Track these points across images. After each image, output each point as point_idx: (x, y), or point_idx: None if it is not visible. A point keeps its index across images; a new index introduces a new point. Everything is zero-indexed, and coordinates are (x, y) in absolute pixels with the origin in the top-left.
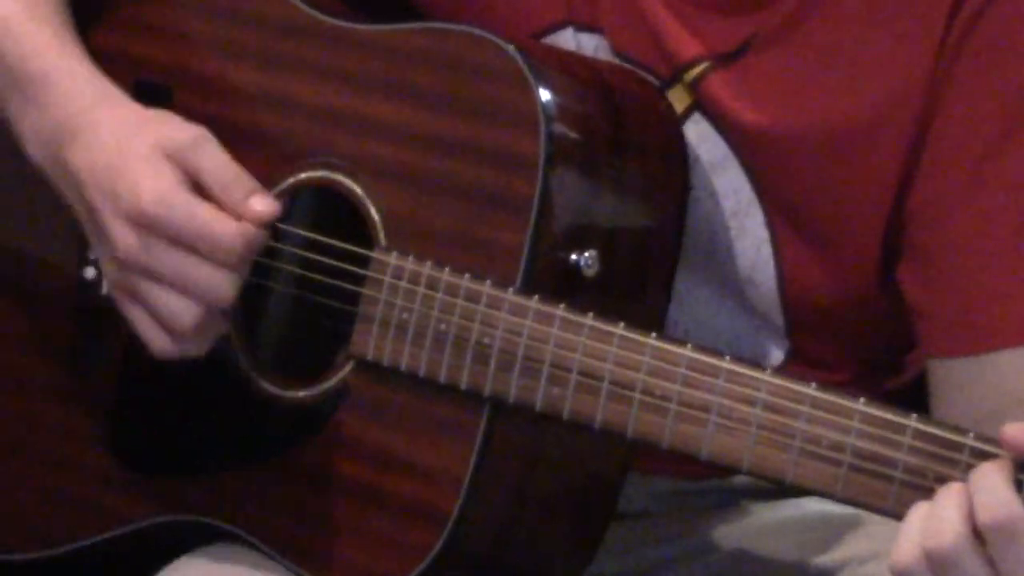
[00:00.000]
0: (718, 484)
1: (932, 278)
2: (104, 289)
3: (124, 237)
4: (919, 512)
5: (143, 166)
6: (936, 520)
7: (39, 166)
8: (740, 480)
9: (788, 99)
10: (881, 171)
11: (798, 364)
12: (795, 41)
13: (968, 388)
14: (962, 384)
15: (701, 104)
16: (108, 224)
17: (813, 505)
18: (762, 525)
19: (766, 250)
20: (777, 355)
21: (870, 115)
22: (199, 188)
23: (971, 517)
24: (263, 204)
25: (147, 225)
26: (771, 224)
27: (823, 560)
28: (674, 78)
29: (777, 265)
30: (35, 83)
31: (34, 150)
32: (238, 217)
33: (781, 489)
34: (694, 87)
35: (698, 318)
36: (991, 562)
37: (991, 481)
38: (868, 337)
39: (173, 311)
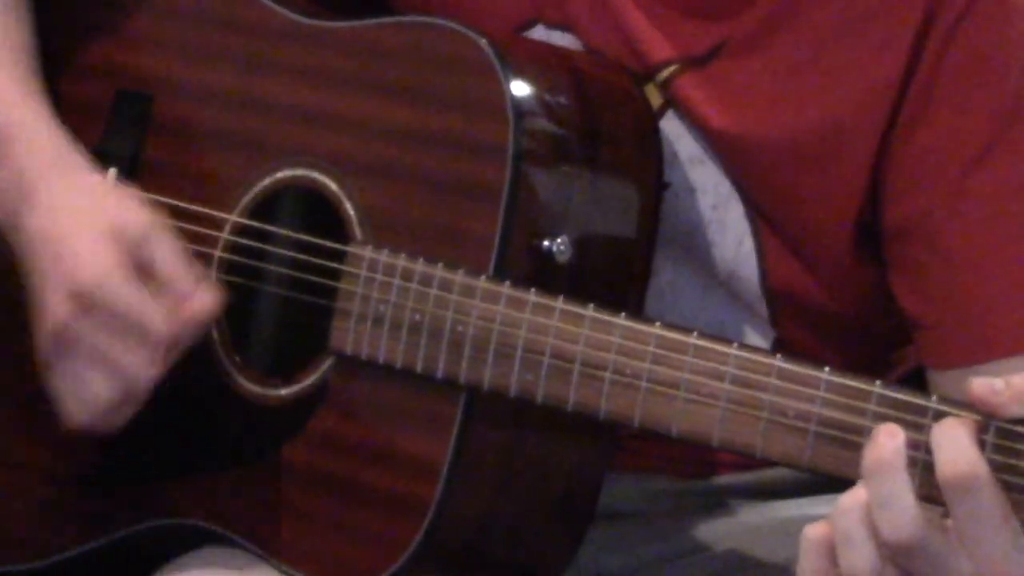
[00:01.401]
0: (712, 484)
1: (926, 291)
2: None
3: (57, 306)
4: (853, 514)
5: (89, 243)
6: (888, 510)
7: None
8: (734, 480)
9: (756, 106)
10: (847, 180)
11: None
12: (765, 49)
13: None
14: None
15: (673, 103)
16: (46, 292)
17: (807, 507)
18: (756, 526)
19: (748, 243)
20: (763, 346)
21: (836, 124)
22: (143, 276)
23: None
24: (207, 297)
25: (82, 299)
26: (751, 217)
27: None
28: (646, 77)
29: (759, 257)
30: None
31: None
32: (179, 308)
33: (776, 490)
34: (665, 87)
35: (684, 313)
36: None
37: (953, 436)
38: (853, 331)
39: (90, 388)
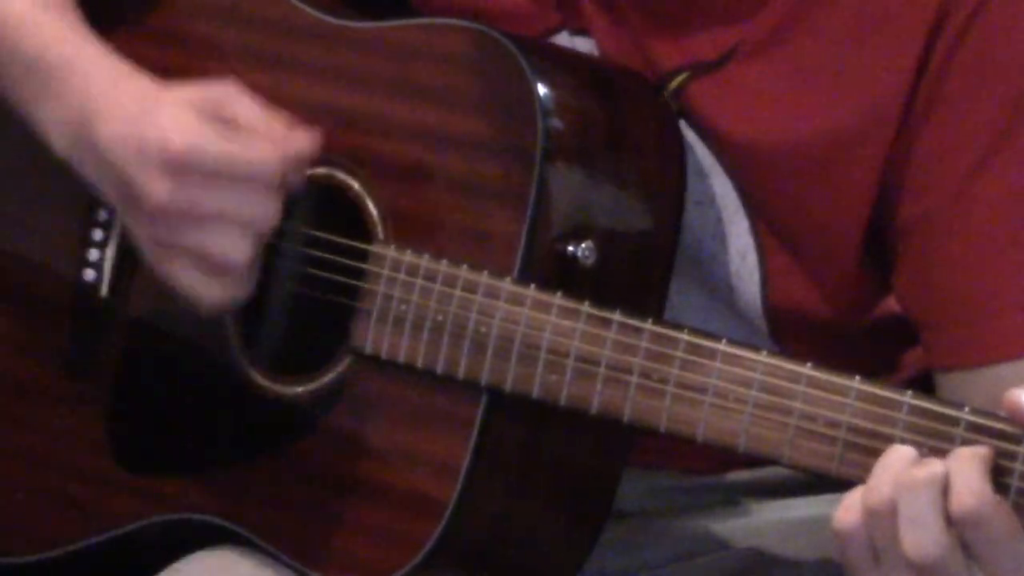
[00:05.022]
0: (722, 481)
1: (931, 292)
2: (104, 291)
3: (158, 185)
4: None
5: (168, 115)
6: (916, 528)
7: (63, 155)
8: (740, 478)
9: (768, 110)
10: (858, 185)
11: None
12: (777, 54)
13: (974, 400)
14: (968, 396)
15: (685, 112)
16: (139, 179)
17: (822, 506)
18: (762, 525)
19: (751, 258)
20: None
21: (847, 129)
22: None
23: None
24: (302, 134)
25: (180, 166)
26: (756, 232)
27: (822, 562)
28: (658, 86)
29: (762, 274)
30: (54, 72)
31: (57, 139)
32: (275, 144)
33: (789, 488)
34: (677, 96)
35: (689, 322)
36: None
37: (962, 469)
38: (854, 340)
39: (225, 246)
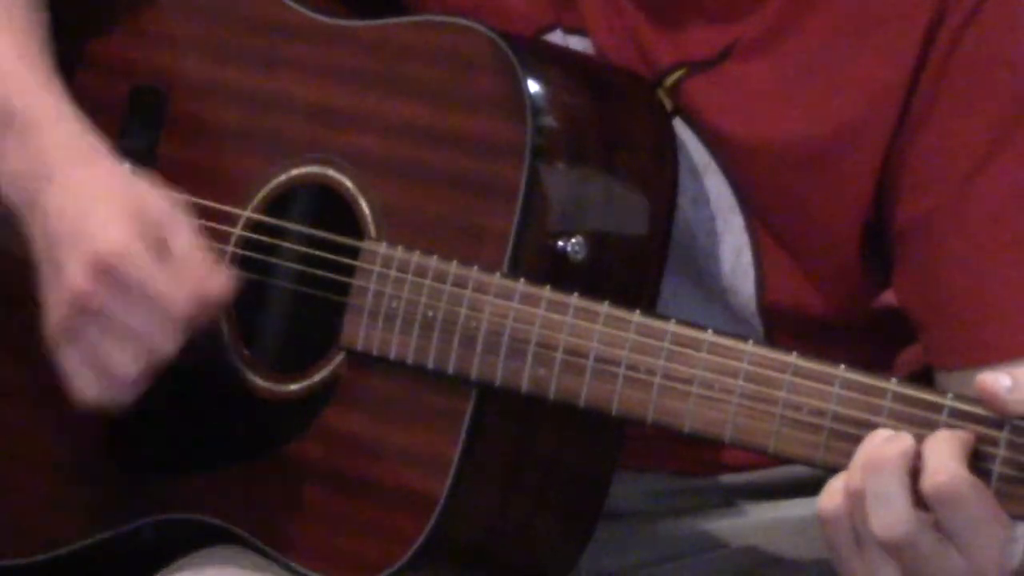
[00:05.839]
0: (711, 482)
1: (929, 293)
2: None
3: (80, 275)
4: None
5: (110, 218)
6: (881, 508)
7: (10, 205)
8: (734, 479)
9: (764, 109)
10: (855, 183)
11: None
12: (774, 52)
13: None
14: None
15: (681, 110)
16: (65, 260)
17: (808, 507)
18: (756, 525)
19: (746, 256)
20: None
21: (844, 128)
22: (161, 256)
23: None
24: (222, 279)
25: (103, 269)
26: (751, 230)
27: (817, 561)
28: (655, 83)
29: (757, 272)
30: (15, 123)
31: (8, 188)
32: (194, 287)
33: (781, 489)
34: (673, 92)
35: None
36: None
37: (938, 449)
38: (851, 339)
39: (117, 357)
